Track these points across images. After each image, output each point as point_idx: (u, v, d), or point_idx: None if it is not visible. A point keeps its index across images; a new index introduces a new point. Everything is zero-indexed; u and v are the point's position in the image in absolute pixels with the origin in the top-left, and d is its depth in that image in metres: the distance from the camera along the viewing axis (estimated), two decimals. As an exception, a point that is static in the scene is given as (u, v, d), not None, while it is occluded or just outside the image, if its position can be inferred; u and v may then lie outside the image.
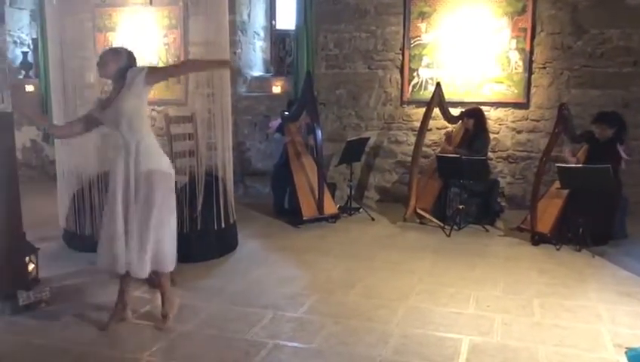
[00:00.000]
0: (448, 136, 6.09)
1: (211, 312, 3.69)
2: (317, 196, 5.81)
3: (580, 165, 5.15)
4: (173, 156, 5.89)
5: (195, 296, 3.96)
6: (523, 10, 6.12)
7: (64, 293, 3.96)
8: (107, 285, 4.06)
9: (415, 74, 6.54)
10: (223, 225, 4.76)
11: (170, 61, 7.21)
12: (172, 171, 3.49)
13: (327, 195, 5.92)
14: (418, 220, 5.88)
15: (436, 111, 5.99)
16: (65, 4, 5.03)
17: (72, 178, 5.05)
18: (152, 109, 7.46)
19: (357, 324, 3.51)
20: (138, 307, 3.74)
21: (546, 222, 5.21)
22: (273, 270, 4.49)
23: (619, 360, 3.07)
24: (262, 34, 7.63)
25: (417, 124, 6.27)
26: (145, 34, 7.17)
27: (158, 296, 3.96)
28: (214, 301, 3.86)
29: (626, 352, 3.12)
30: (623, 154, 5.19)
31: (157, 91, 7.28)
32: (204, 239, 4.67)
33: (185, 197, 4.66)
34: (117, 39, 7.29)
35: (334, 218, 5.91)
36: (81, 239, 4.82)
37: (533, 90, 6.22)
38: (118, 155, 3.38)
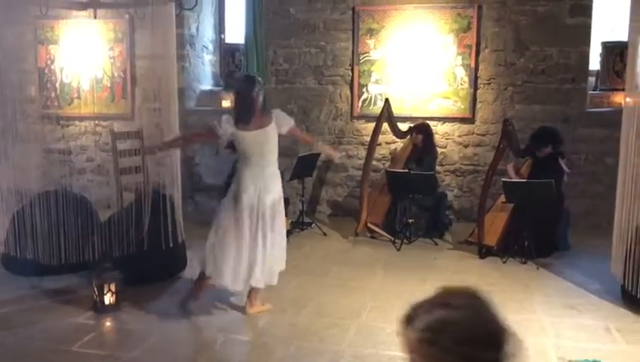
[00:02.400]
0: (393, 157, 6.20)
1: (160, 337, 3.59)
2: (268, 212, 5.76)
3: (523, 180, 5.31)
4: (119, 173, 5.78)
5: (143, 320, 3.85)
6: (468, 28, 6.28)
7: (3, 321, 3.77)
8: (49, 311, 3.91)
9: (364, 89, 6.61)
10: (171, 245, 4.64)
11: (116, 75, 7.04)
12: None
13: (278, 211, 5.88)
14: (369, 234, 5.92)
15: (385, 126, 6.07)
16: (3, 14, 4.84)
17: (11, 198, 4.83)
18: (97, 124, 7.26)
19: (309, 346, 3.48)
20: (81, 335, 3.60)
21: (492, 235, 5.34)
22: (224, 290, 4.40)
23: (563, 373, 3.17)
24: (211, 47, 7.56)
25: (367, 139, 6.33)
26: (89, 47, 6.98)
27: (103, 322, 3.85)
28: (162, 325, 3.76)
29: (569, 366, 3.22)
30: (565, 168, 5.38)
31: (102, 106, 7.13)
32: (152, 260, 4.54)
33: (131, 215, 4.54)
34: (60, 52, 7.08)
35: (287, 233, 5.86)
36: (22, 263, 4.61)
37: (478, 105, 6.39)
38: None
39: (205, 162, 7.18)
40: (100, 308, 3.93)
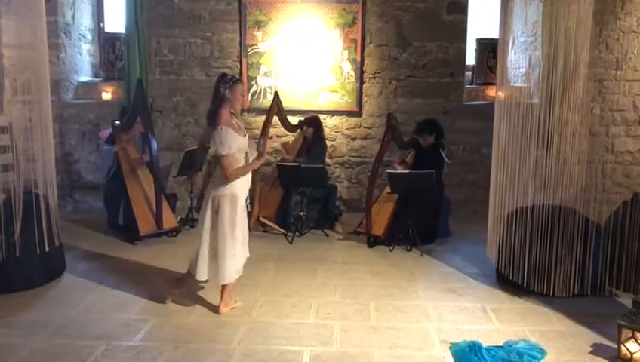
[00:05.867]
0: (284, 149, 6.24)
1: (34, 349, 3.34)
2: (155, 209, 5.55)
3: (406, 171, 5.51)
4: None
5: (14, 332, 3.56)
6: (353, 23, 6.40)
7: None
8: None
9: (254, 82, 6.54)
10: (46, 249, 4.31)
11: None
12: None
13: (165, 208, 5.66)
14: (262, 228, 5.89)
15: (276, 119, 6.04)
16: None
17: None
18: (-41, 118, 6.59)
19: (197, 347, 3.39)
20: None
21: (379, 224, 5.51)
22: (106, 294, 4.19)
23: (445, 356, 3.32)
24: (89, 37, 7.11)
25: (258, 132, 6.26)
26: (-54, 33, 6.30)
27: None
28: (37, 336, 3.50)
29: (450, 347, 3.38)
30: (445, 159, 5.66)
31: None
32: (25, 266, 4.21)
33: (0, 218, 4.17)
34: None
35: (175, 231, 5.69)
36: None
37: (364, 99, 6.55)
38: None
39: (85, 158, 6.77)
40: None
